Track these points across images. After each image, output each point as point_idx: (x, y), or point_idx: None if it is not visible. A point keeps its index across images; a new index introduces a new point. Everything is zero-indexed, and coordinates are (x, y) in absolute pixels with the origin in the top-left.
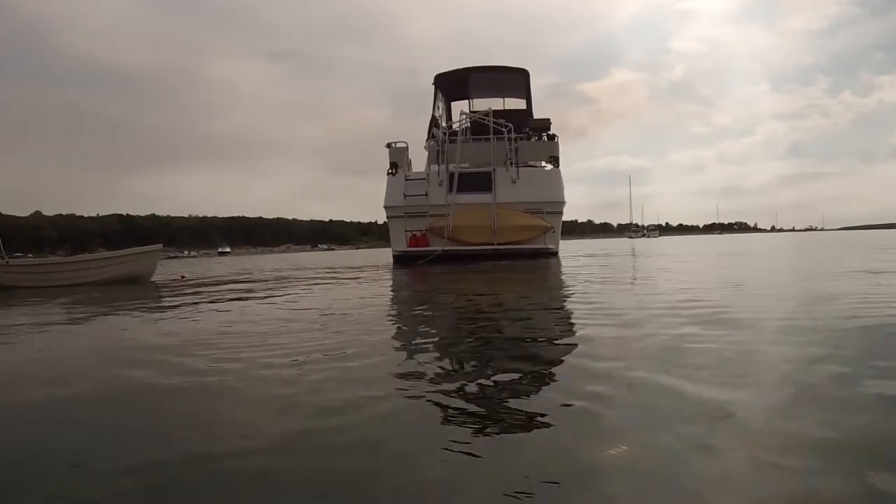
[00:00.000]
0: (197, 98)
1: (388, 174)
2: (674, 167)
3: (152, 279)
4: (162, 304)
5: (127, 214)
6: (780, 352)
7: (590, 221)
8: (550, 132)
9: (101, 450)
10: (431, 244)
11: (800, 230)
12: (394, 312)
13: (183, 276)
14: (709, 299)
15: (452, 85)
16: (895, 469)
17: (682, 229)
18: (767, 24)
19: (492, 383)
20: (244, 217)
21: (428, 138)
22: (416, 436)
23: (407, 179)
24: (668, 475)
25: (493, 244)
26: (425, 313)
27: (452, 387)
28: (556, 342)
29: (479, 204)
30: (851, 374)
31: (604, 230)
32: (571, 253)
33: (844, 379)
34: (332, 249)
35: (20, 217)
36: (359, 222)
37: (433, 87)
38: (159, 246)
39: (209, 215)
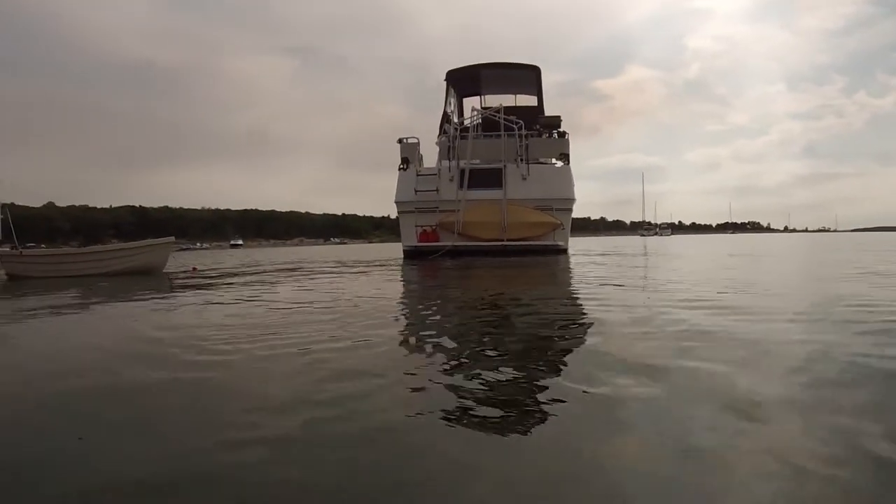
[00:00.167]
0: (212, 93)
1: (400, 169)
2: (688, 165)
3: (164, 270)
4: (172, 295)
5: (140, 206)
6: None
7: (602, 219)
8: (561, 129)
9: (105, 445)
10: (442, 239)
11: (812, 231)
12: (403, 305)
13: (195, 268)
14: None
15: (464, 81)
16: None
17: (695, 228)
18: (783, 22)
19: (500, 373)
20: (257, 210)
21: (440, 134)
22: (423, 427)
23: (418, 175)
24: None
25: (502, 240)
26: (434, 306)
27: (459, 378)
28: (557, 341)
29: (490, 200)
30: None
31: (616, 227)
32: (581, 250)
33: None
34: (345, 243)
35: (33, 208)
36: (371, 216)
37: (445, 83)
38: (171, 238)
39: (222, 208)
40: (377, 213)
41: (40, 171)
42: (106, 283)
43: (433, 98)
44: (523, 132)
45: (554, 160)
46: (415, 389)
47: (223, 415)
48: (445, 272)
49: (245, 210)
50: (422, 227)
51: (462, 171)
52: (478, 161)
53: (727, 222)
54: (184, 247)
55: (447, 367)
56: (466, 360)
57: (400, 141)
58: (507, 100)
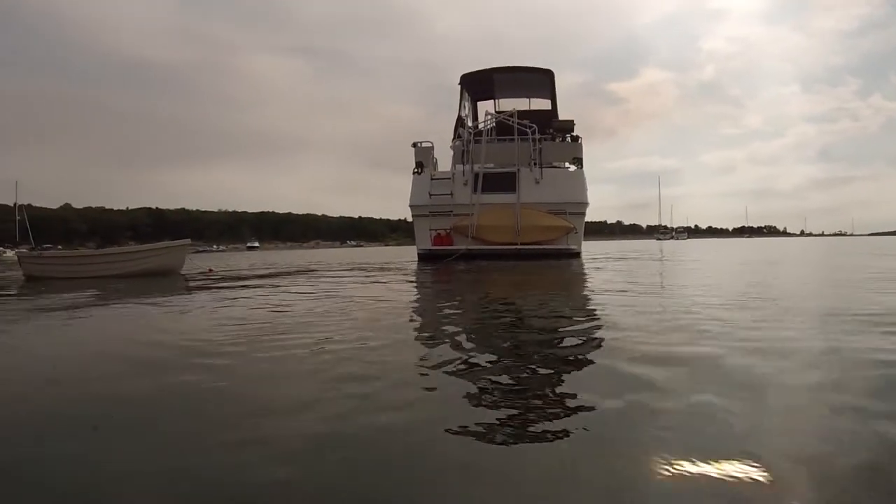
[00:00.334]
0: (229, 94)
1: (414, 173)
2: (703, 168)
3: (181, 272)
4: (188, 296)
5: (156, 208)
6: None
7: (619, 222)
8: (574, 133)
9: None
10: (455, 243)
11: (829, 235)
12: (416, 308)
13: (210, 270)
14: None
15: (478, 85)
16: None
17: (711, 232)
18: (797, 23)
19: (506, 378)
20: (273, 212)
21: (454, 138)
22: (435, 424)
23: (432, 179)
24: None
25: (516, 244)
26: (448, 308)
27: (472, 381)
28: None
29: (503, 204)
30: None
31: (632, 231)
32: (595, 254)
33: None
34: (361, 246)
35: (50, 209)
36: (388, 219)
37: (459, 87)
38: (188, 240)
39: (238, 210)
40: (394, 216)
41: (57, 172)
42: (122, 285)
43: (450, 98)
44: (537, 136)
45: (567, 164)
46: (430, 388)
47: (229, 418)
48: (459, 275)
49: (262, 212)
50: (436, 230)
51: (476, 175)
52: (492, 165)
53: (743, 226)
54: (200, 249)
55: (460, 368)
56: (478, 364)
57: (414, 145)
58: (521, 103)
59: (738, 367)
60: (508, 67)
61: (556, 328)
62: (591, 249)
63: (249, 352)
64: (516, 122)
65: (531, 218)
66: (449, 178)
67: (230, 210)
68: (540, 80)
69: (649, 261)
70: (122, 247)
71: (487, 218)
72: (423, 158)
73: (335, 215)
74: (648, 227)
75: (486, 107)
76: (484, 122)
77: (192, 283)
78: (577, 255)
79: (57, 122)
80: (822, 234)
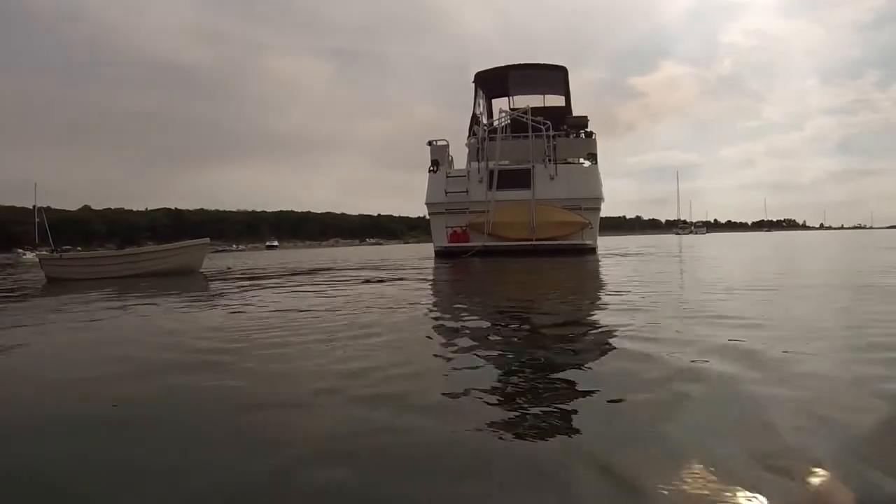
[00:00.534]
0: (250, 94)
1: (430, 171)
2: (723, 162)
3: (200, 271)
4: (206, 294)
5: (175, 209)
6: None
7: (638, 217)
8: (588, 129)
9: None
10: (471, 240)
11: (848, 228)
12: (437, 301)
13: (229, 268)
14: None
15: (493, 83)
16: None
17: (731, 226)
18: (815, 16)
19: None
20: (292, 211)
21: (469, 136)
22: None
23: (448, 176)
24: None
25: (531, 240)
26: (465, 302)
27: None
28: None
29: (518, 200)
30: None
31: (652, 226)
32: (610, 249)
33: None
34: (381, 244)
35: (70, 211)
36: (407, 217)
37: (473, 85)
38: (207, 240)
39: (258, 210)
40: (413, 214)
41: (76, 173)
42: (145, 283)
43: (470, 98)
44: (551, 133)
45: (582, 160)
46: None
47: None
48: (476, 271)
49: (281, 211)
50: (452, 227)
51: (491, 172)
52: (506, 162)
53: (762, 220)
54: (220, 248)
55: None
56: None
57: (430, 143)
58: (536, 100)
59: None
60: (522, 65)
61: (566, 324)
62: (607, 244)
63: (251, 351)
64: (530, 118)
65: (546, 214)
66: (464, 176)
67: (249, 210)
68: (554, 77)
69: (666, 258)
70: (142, 247)
71: (503, 214)
72: (439, 156)
73: (354, 213)
74: (668, 221)
75: (500, 104)
76: (498, 119)
77: (211, 282)
78: (593, 250)
79: (76, 123)
80: (842, 228)
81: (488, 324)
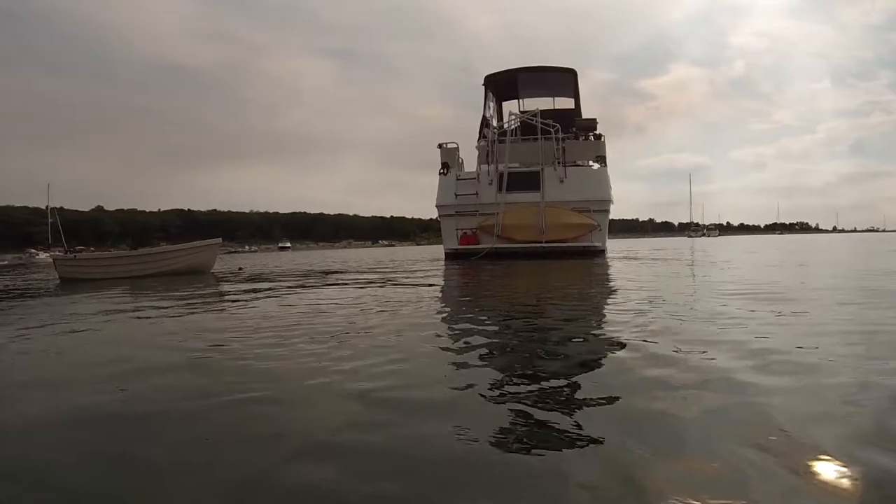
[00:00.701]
0: (260, 95)
1: (440, 174)
2: (734, 164)
3: (211, 271)
4: (217, 293)
5: (188, 209)
6: None
7: (651, 220)
8: (597, 132)
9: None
10: (481, 242)
11: (861, 231)
12: (449, 303)
13: (240, 268)
14: None
15: (502, 85)
16: None
17: (743, 229)
18: (825, 16)
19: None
20: (305, 213)
21: (479, 138)
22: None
23: (458, 179)
24: None
25: (541, 242)
26: (476, 302)
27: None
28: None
29: (528, 203)
30: None
31: (665, 229)
32: (621, 252)
33: None
34: (393, 245)
35: (82, 212)
36: (419, 218)
37: (483, 87)
38: (219, 240)
39: (270, 211)
40: (425, 216)
41: (88, 174)
42: (156, 283)
43: (479, 98)
44: (560, 135)
45: (591, 162)
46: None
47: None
48: (486, 273)
49: (293, 213)
50: (462, 230)
51: (501, 175)
52: (516, 164)
53: (775, 223)
54: (232, 249)
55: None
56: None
57: (440, 146)
58: (545, 103)
59: None
60: (531, 67)
61: (572, 325)
62: (619, 247)
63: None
64: (539, 121)
65: (556, 216)
66: (474, 179)
67: (262, 211)
68: (563, 80)
69: (678, 262)
70: (154, 247)
71: (512, 217)
72: (449, 159)
73: (367, 215)
74: (680, 224)
75: (510, 107)
76: (508, 122)
77: (222, 283)
78: (602, 252)
79: (88, 124)
80: (854, 231)
81: (495, 325)
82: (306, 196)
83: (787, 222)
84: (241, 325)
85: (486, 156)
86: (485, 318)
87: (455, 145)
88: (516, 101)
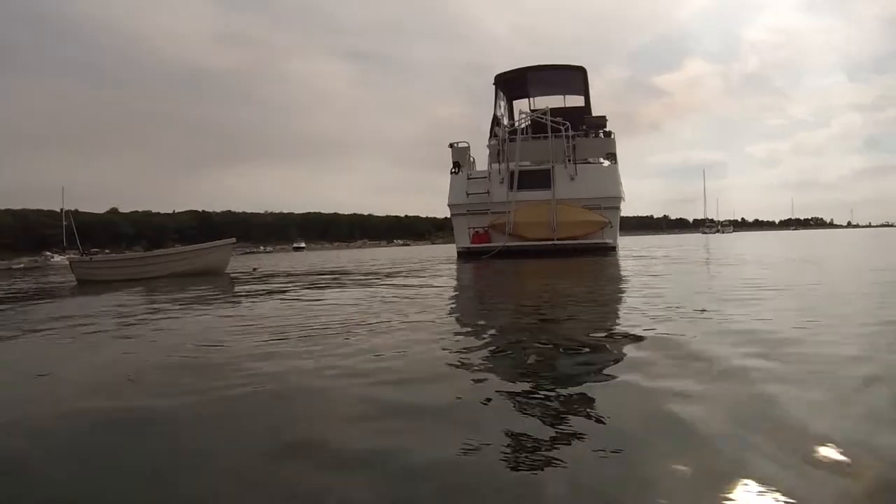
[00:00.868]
0: (274, 97)
1: (452, 173)
2: (749, 160)
3: (226, 271)
4: (228, 294)
5: (203, 211)
6: None
7: (665, 217)
8: (606, 129)
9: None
10: (493, 240)
11: (876, 226)
12: (457, 301)
13: (255, 268)
14: None
15: (512, 84)
16: None
17: (758, 225)
18: (839, 10)
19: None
20: (319, 213)
21: (490, 137)
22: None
23: (469, 178)
24: None
25: (552, 240)
26: (486, 301)
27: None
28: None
29: (539, 201)
30: None
31: (679, 226)
32: (633, 251)
33: None
34: (408, 245)
35: (97, 214)
36: (434, 217)
37: (494, 86)
38: (233, 240)
39: (285, 211)
40: (440, 215)
41: (103, 176)
42: (170, 284)
43: (491, 96)
44: (570, 133)
45: (601, 159)
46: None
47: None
48: (499, 270)
49: (308, 213)
50: (474, 228)
51: (512, 173)
52: (527, 163)
53: (790, 218)
54: (248, 250)
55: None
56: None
57: (451, 145)
58: (556, 101)
59: None
60: (541, 66)
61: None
62: (638, 243)
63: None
64: (549, 119)
65: (567, 214)
66: (485, 177)
67: (276, 211)
68: (573, 78)
69: (693, 263)
70: (169, 248)
71: (524, 215)
72: (460, 158)
73: (381, 214)
74: (695, 220)
75: (521, 105)
76: (518, 120)
77: (236, 283)
78: (613, 249)
79: (103, 127)
80: (869, 226)
81: (504, 323)
82: (321, 196)
83: (802, 218)
84: (248, 325)
85: (497, 154)
86: (493, 317)
87: (466, 144)
88: (527, 99)
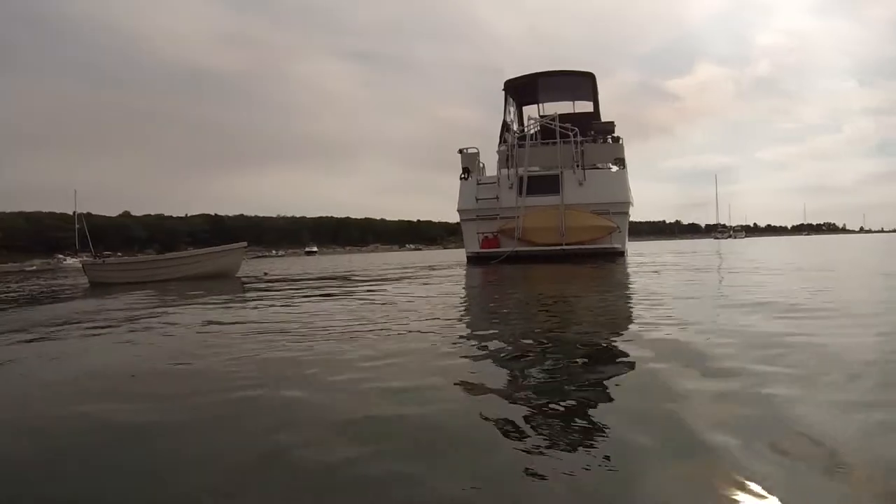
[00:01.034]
0: (286, 99)
1: (461, 179)
2: (761, 165)
3: (237, 275)
4: (238, 297)
5: (215, 214)
6: None
7: (678, 222)
8: (615, 134)
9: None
10: (502, 245)
11: (889, 231)
12: (475, 305)
13: (266, 272)
14: None
15: (522, 90)
16: None
17: (770, 230)
18: (849, 14)
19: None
20: (332, 217)
21: (500, 143)
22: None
23: (479, 183)
24: None
25: (561, 245)
26: (499, 303)
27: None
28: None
29: (548, 206)
30: None
31: (691, 231)
32: (644, 256)
33: None
34: (420, 249)
35: (109, 217)
36: (446, 222)
37: (503, 92)
38: (244, 244)
39: (297, 215)
40: (451, 220)
41: (115, 179)
42: (182, 287)
43: (497, 100)
44: (578, 138)
45: (610, 165)
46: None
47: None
48: (508, 275)
49: (320, 217)
50: (483, 233)
51: (521, 179)
52: (536, 168)
53: (802, 223)
54: (259, 254)
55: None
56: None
57: (460, 151)
58: (565, 107)
59: None
60: (550, 72)
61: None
62: (647, 249)
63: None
64: (558, 125)
65: (575, 219)
66: (495, 183)
67: (289, 215)
68: (582, 83)
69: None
70: (181, 252)
71: (533, 220)
72: (469, 164)
73: (393, 219)
74: (707, 226)
75: (530, 111)
76: (527, 126)
77: (247, 286)
78: (622, 253)
79: (114, 129)
80: (882, 231)
81: (511, 329)
82: (333, 200)
83: (815, 223)
84: (255, 328)
85: (506, 160)
86: (499, 322)
87: (475, 150)
88: (536, 105)
